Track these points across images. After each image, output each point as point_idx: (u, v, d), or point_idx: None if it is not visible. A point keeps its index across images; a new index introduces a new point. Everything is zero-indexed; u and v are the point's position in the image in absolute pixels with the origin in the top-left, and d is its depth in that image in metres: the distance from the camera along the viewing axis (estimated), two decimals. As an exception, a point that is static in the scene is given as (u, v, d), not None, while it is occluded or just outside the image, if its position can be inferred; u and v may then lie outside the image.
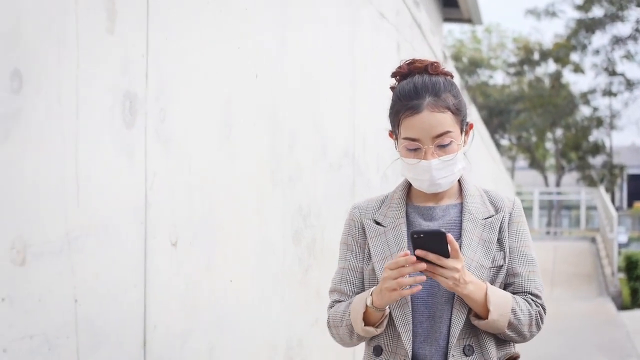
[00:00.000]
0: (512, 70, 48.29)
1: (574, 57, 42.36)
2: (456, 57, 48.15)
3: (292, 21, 4.02)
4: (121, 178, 2.52)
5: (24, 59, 2.08)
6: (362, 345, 2.84)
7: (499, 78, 54.22)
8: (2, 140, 2.00)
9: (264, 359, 3.66)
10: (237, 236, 3.36)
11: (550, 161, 53.32)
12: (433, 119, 2.57)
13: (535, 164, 50.66)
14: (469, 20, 25.23)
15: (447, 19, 24.44)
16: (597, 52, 41.13)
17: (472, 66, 48.72)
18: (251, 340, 3.50)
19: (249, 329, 3.48)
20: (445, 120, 2.59)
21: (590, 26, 39.07)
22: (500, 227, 2.68)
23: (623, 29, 67.73)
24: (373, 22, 5.69)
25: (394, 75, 2.76)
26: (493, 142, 40.33)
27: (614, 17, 38.92)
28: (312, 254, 4.26)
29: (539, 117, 43.68)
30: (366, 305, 2.60)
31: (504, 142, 51.37)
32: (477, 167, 15.78)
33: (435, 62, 2.71)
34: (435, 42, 9.00)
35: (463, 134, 2.68)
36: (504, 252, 2.67)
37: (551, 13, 40.02)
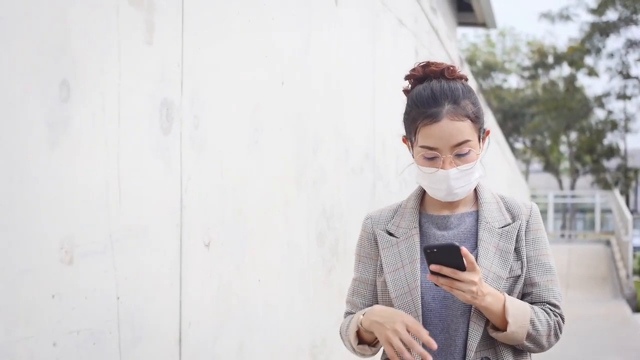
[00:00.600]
0: (526, 73, 48.29)
1: (588, 60, 42.38)
2: (470, 61, 48.18)
3: (316, 30, 4.15)
4: (158, 182, 2.65)
5: (71, 70, 2.21)
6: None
7: (513, 81, 54.33)
8: (52, 147, 2.13)
9: (290, 357, 3.78)
10: (264, 237, 3.48)
11: (565, 164, 53.22)
12: (452, 127, 2.47)
13: (550, 167, 50.60)
14: (483, 25, 25.27)
15: (461, 23, 24.49)
16: (611, 55, 41.13)
17: (486, 70, 48.75)
18: (278, 339, 3.63)
19: (276, 328, 3.60)
20: (465, 129, 2.49)
21: (604, 30, 39.09)
22: (517, 236, 2.59)
23: (637, 32, 67.77)
24: (392, 29, 5.82)
25: (407, 78, 2.65)
26: (508, 145, 40.41)
27: (628, 21, 38.92)
28: (335, 255, 4.39)
29: (553, 121, 43.66)
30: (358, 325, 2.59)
31: (519, 145, 51.34)
32: (492, 171, 15.88)
33: (451, 66, 2.60)
34: (452, 47, 9.12)
35: (480, 141, 2.59)
36: (522, 262, 2.58)
37: (565, 17, 40.05)
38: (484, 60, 49.10)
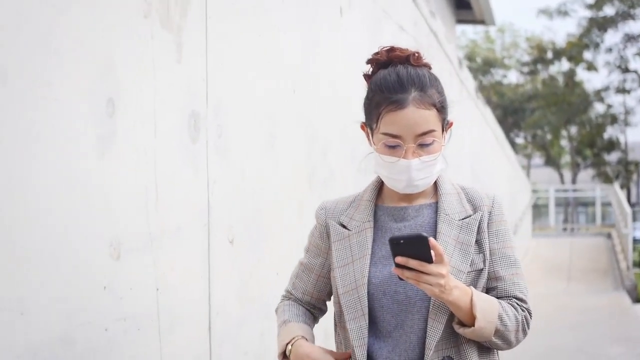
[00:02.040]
0: (525, 69, 48.57)
1: (587, 55, 42.66)
2: (470, 58, 48.50)
3: (323, 40, 4.47)
4: (188, 186, 2.96)
5: (115, 88, 2.52)
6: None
7: (513, 77, 54.60)
8: (100, 157, 2.44)
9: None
10: (280, 233, 3.79)
11: (566, 158, 53.50)
12: (418, 116, 2.34)
13: (551, 161, 50.91)
14: (482, 22, 25.46)
15: (460, 21, 24.68)
16: (609, 50, 41.44)
17: (486, 66, 49.05)
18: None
19: (293, 317, 3.92)
20: (430, 118, 2.36)
21: (602, 25, 39.38)
22: (478, 228, 2.45)
23: (635, 26, 67.78)
24: (393, 35, 6.13)
25: (369, 62, 2.54)
26: (508, 140, 40.60)
27: (625, 16, 39.22)
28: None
29: (553, 115, 43.95)
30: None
31: (519, 140, 51.65)
32: (492, 167, 16.18)
33: (417, 52, 2.47)
34: (450, 48, 9.43)
35: (444, 132, 2.45)
36: (484, 255, 2.43)
37: (563, 12, 40.36)
38: (483, 56, 49.41)
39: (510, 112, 47.26)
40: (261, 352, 3.54)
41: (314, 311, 2.72)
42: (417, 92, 2.35)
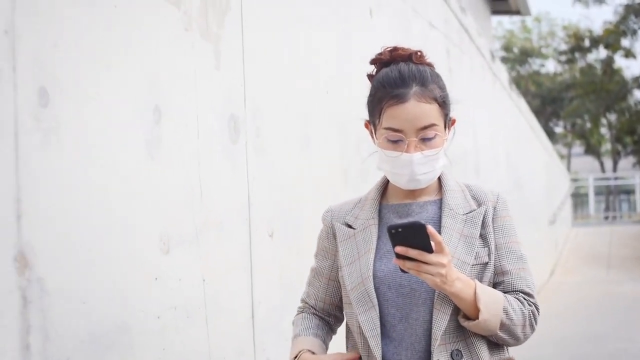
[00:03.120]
0: (563, 58, 48.27)
1: (625, 42, 42.36)
2: (507, 48, 48.43)
3: (354, 41, 4.69)
4: (230, 184, 3.20)
5: (161, 97, 2.75)
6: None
7: (551, 66, 54.34)
8: (149, 160, 2.68)
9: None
10: (317, 227, 4.00)
11: (606, 146, 53.25)
12: (419, 109, 2.36)
13: (591, 150, 50.71)
14: (517, 12, 25.52)
15: (495, 12, 24.73)
16: (646, 36, 41.20)
17: (523, 56, 48.88)
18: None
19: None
20: (432, 112, 2.38)
21: (639, 11, 39.17)
22: (483, 222, 2.46)
23: (673, 11, 67.15)
24: (423, 33, 6.33)
25: (373, 62, 2.58)
26: (547, 130, 40.40)
27: (663, 1, 39.02)
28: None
29: (592, 103, 43.67)
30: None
31: (559, 129, 51.49)
32: (528, 157, 16.29)
33: (419, 51, 2.51)
34: (482, 42, 9.59)
35: (447, 129, 2.48)
36: (489, 249, 2.44)
37: (599, 0, 40.20)
38: (520, 46, 49.26)
39: (549, 102, 47.09)
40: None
41: (329, 319, 2.71)
42: (418, 86, 2.38)
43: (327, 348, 2.63)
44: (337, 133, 4.34)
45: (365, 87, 4.69)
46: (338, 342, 2.64)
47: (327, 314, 2.69)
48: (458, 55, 7.67)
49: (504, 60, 45.58)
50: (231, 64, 3.24)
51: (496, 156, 10.75)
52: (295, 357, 2.56)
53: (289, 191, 3.73)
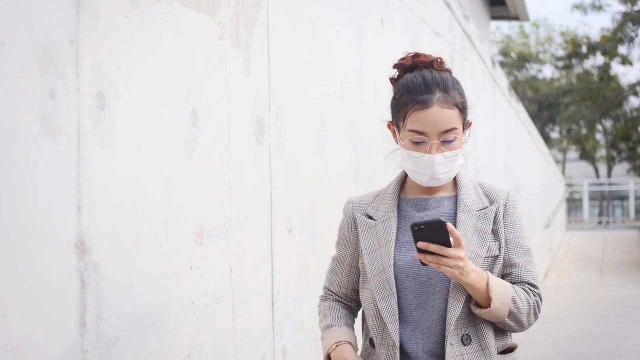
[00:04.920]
0: (560, 63, 48.55)
1: (622, 49, 42.62)
2: (505, 53, 48.73)
3: (366, 49, 4.96)
4: (255, 182, 3.45)
5: (198, 102, 3.01)
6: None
7: (548, 72, 54.80)
8: (187, 159, 2.93)
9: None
10: (330, 224, 4.26)
11: (601, 152, 53.53)
12: (442, 114, 2.54)
13: (586, 155, 51.02)
14: (516, 18, 25.72)
15: (494, 17, 24.93)
16: (644, 44, 41.45)
17: (520, 61, 49.18)
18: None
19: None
20: (453, 117, 2.56)
21: (636, 19, 39.35)
22: (494, 218, 2.65)
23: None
24: (430, 41, 6.60)
25: (396, 66, 2.73)
26: (543, 135, 40.55)
27: (660, 9, 39.26)
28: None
29: (588, 109, 43.94)
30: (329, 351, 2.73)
31: (555, 134, 51.76)
32: (525, 161, 16.55)
33: (439, 58, 2.68)
34: (484, 49, 9.86)
35: (464, 131, 2.67)
36: (499, 243, 2.63)
37: (597, 7, 40.37)
38: (518, 51, 49.54)
39: (546, 107, 47.39)
40: (315, 328, 4.02)
41: (352, 304, 2.88)
42: (441, 93, 2.56)
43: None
44: (349, 136, 4.61)
45: (376, 93, 4.95)
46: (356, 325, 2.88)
47: (350, 299, 2.86)
48: (461, 61, 7.94)
49: (502, 64, 45.83)
50: (258, 71, 3.49)
51: (495, 161, 11.02)
52: (335, 343, 2.71)
53: (306, 190, 3.99)
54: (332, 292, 2.90)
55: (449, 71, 2.68)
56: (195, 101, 3.00)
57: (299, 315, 3.88)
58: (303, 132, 3.97)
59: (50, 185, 2.26)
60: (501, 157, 11.81)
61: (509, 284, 2.58)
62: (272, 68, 3.62)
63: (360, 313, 2.86)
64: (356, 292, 2.84)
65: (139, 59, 2.67)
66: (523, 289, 2.62)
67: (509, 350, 2.67)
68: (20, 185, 2.16)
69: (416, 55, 2.69)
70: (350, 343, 2.72)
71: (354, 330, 2.81)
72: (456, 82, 2.65)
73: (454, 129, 2.57)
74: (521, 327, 2.62)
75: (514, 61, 48.75)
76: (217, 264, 3.13)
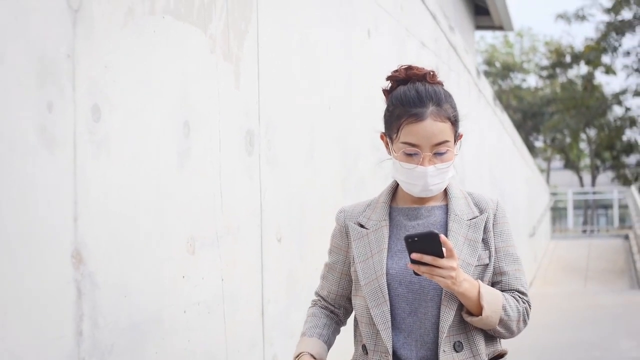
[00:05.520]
0: (544, 73, 48.67)
1: (605, 59, 42.74)
2: (489, 62, 48.92)
3: (355, 60, 5.02)
4: (246, 192, 3.50)
5: (190, 113, 3.06)
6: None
7: (532, 81, 54.92)
8: (179, 169, 2.98)
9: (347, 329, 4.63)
10: (320, 233, 4.32)
11: (585, 161, 53.70)
12: (435, 127, 2.57)
13: (570, 164, 51.19)
14: (500, 28, 25.80)
15: (479, 27, 25.00)
16: (627, 53, 41.49)
17: (505, 70, 49.34)
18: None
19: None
20: (445, 130, 2.59)
21: (620, 28, 39.52)
22: (485, 227, 2.69)
23: (653, 29, 67.66)
24: (416, 52, 6.67)
25: (389, 78, 2.75)
26: (528, 144, 40.67)
27: (643, 19, 39.46)
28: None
29: (572, 119, 44.08)
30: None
31: (539, 143, 51.91)
32: (510, 171, 16.63)
33: (432, 71, 2.71)
34: (469, 60, 9.94)
35: (456, 143, 2.69)
36: (490, 252, 2.67)
37: (581, 17, 40.47)
38: (502, 61, 49.72)
39: (530, 116, 47.53)
40: (304, 336, 4.08)
41: (339, 311, 2.92)
42: (434, 106, 2.59)
43: (330, 345, 2.85)
44: (337, 146, 4.67)
45: (363, 104, 5.01)
46: (348, 331, 2.93)
47: (338, 305, 2.91)
48: (446, 72, 8.02)
49: (486, 74, 46.01)
50: (248, 83, 3.54)
51: (480, 170, 11.09)
52: (296, 357, 2.77)
53: (296, 200, 4.04)
54: (321, 296, 2.94)
55: (441, 84, 2.72)
56: (187, 112, 3.05)
57: (289, 323, 3.92)
58: (292, 143, 4.03)
59: (47, 195, 2.31)
60: (486, 166, 11.89)
61: (500, 292, 2.62)
62: (262, 80, 3.67)
63: (352, 320, 2.88)
64: (344, 298, 2.88)
65: (133, 72, 2.72)
66: (513, 296, 2.66)
67: (499, 356, 2.72)
68: (17, 196, 2.21)
69: (409, 67, 2.71)
70: (311, 355, 2.75)
71: (326, 341, 2.85)
72: (448, 95, 2.68)
73: (446, 141, 2.60)
74: (511, 333, 2.67)
75: (499, 71, 48.91)
76: (209, 273, 3.18)
